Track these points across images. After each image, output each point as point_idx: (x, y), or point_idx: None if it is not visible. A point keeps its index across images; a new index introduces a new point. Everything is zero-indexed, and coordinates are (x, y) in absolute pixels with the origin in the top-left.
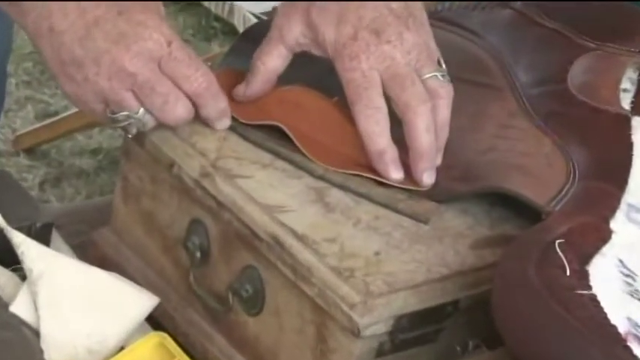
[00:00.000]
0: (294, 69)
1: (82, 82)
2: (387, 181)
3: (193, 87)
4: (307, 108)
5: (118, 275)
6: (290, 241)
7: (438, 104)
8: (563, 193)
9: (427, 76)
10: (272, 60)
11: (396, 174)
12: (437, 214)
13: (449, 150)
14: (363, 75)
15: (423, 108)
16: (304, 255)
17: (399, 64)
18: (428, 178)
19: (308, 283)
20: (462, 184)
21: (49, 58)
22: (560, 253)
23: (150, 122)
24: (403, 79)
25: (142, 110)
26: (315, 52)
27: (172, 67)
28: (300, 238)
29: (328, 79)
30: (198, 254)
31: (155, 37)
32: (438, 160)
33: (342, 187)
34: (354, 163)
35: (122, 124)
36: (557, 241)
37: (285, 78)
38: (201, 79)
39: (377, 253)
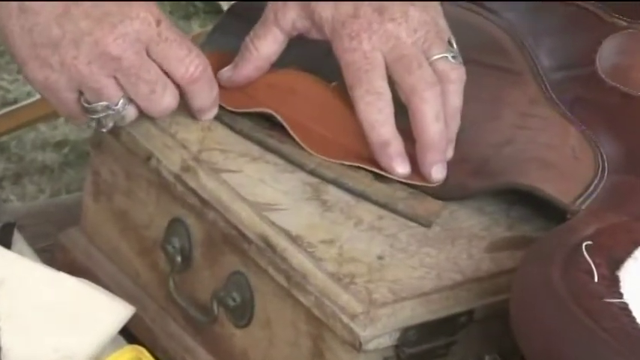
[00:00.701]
0: (288, 50)
1: (58, 66)
2: (390, 176)
3: (189, 72)
4: (302, 94)
5: (88, 282)
6: (283, 243)
7: (448, 89)
8: (591, 189)
9: (436, 57)
10: (266, 45)
11: (401, 168)
12: (442, 216)
13: (461, 141)
14: (365, 56)
15: (432, 93)
16: (299, 259)
17: (404, 44)
18: (437, 173)
19: (303, 291)
20: (476, 179)
21: (17, 41)
22: (587, 257)
23: (130, 115)
24: (409, 60)
25: (122, 101)
26: (314, 35)
27: (162, 50)
28: (294, 239)
29: (325, 62)
30: (178, 258)
31: (142, 15)
32: (449, 153)
33: (335, 183)
34: (354, 155)
35: (98, 116)
36: (584, 244)
37: (278, 60)
38: (196, 60)
39: (381, 257)
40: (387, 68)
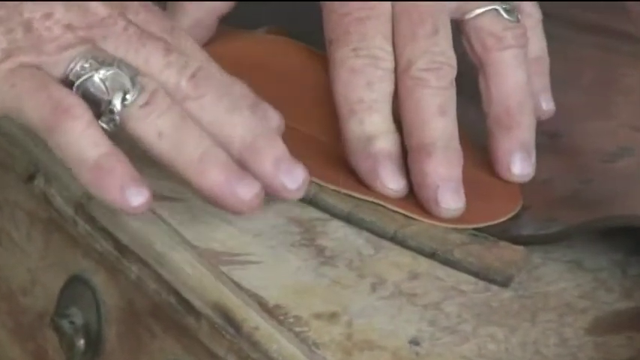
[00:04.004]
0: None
1: None
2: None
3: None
4: (279, 73)
5: None
6: (253, 318)
7: (496, 67)
8: None
9: (478, 11)
10: None
11: (391, 181)
12: (525, 268)
13: (546, 152)
14: None
15: (430, 90)
16: (280, 344)
17: None
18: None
19: None
20: (570, 211)
21: None
22: None
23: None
24: (419, 18)
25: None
26: None
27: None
28: (272, 312)
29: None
30: (80, 342)
31: None
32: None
33: (348, 219)
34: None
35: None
36: None
37: (243, 16)
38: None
39: (415, 343)
40: (394, 21)
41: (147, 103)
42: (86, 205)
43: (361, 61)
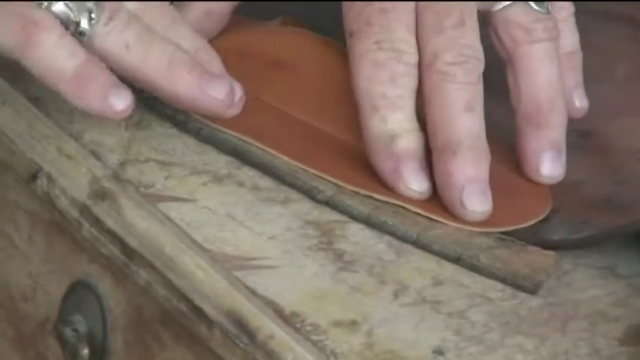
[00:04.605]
0: None
1: None
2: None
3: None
4: (297, 69)
5: None
6: (268, 326)
7: (527, 61)
8: None
9: (506, 3)
10: None
11: (414, 182)
12: (555, 274)
13: (577, 150)
14: None
15: (456, 87)
16: (296, 354)
17: None
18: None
19: None
20: (604, 213)
21: None
22: None
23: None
24: (445, 11)
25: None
26: None
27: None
28: (288, 320)
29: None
30: (85, 351)
31: None
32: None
33: (368, 222)
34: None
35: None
36: None
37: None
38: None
39: (439, 352)
40: (418, 16)
41: (110, 19)
42: (92, 206)
43: (384, 54)
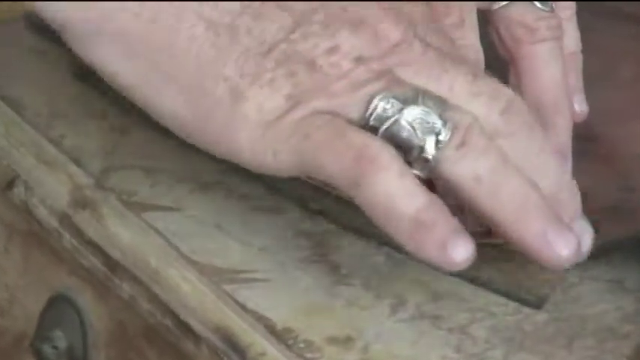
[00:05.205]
0: None
1: None
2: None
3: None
4: None
5: None
6: (259, 343)
7: (534, 62)
8: None
9: (505, 2)
10: None
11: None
12: (561, 288)
13: (583, 156)
14: None
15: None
16: None
17: None
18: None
19: None
20: (612, 222)
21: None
22: None
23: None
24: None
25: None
26: None
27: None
28: (280, 337)
29: None
30: None
31: None
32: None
33: (365, 232)
34: None
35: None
36: None
37: None
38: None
39: None
40: None
41: (462, 144)
42: (72, 215)
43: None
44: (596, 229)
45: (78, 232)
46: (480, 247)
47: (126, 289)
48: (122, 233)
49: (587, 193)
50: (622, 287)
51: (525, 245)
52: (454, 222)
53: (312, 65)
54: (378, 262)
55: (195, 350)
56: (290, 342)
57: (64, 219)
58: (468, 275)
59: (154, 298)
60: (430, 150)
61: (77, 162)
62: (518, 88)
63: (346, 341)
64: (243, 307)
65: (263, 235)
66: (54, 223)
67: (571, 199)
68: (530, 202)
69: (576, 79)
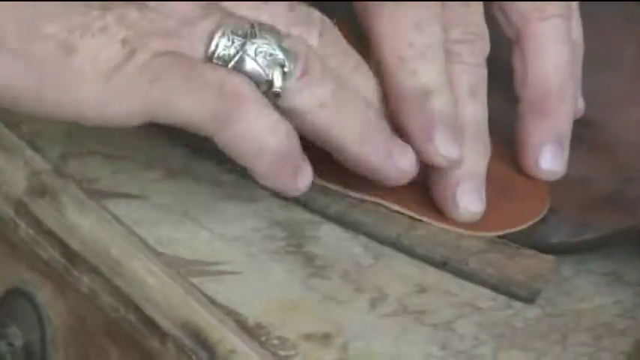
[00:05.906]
0: None
1: None
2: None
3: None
4: None
5: None
6: (230, 339)
7: (537, 42)
8: None
9: None
10: None
11: (450, 148)
12: (554, 281)
13: (580, 141)
14: None
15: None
16: None
17: None
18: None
19: None
20: (609, 214)
21: None
22: None
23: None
24: None
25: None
26: None
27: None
28: (252, 333)
29: None
30: None
31: None
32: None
33: (343, 221)
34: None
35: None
36: None
37: None
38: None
39: None
40: None
41: (304, 72)
42: (29, 204)
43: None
44: (592, 222)
45: (35, 222)
46: (467, 238)
47: (86, 281)
48: (82, 222)
49: (583, 182)
50: (620, 281)
51: (371, 165)
52: (300, 151)
53: (141, 5)
54: (356, 253)
55: (160, 347)
56: (263, 338)
57: (21, 207)
58: (454, 268)
59: (116, 292)
60: (278, 83)
61: (35, 147)
62: (523, 70)
63: (323, 338)
64: (213, 302)
65: (234, 224)
66: (9, 212)
67: (382, 109)
68: (371, 121)
69: (577, 72)
